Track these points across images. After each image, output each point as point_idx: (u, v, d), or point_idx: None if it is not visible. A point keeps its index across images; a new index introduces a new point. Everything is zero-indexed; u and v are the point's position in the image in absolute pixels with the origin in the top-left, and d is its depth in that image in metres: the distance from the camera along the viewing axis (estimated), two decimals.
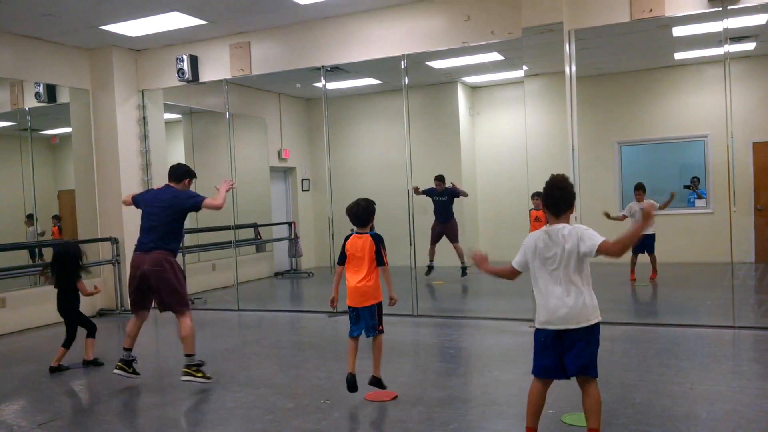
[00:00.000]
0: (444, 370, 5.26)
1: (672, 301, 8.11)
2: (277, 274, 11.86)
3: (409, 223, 7.90)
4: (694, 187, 10.76)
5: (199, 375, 4.98)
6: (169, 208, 5.05)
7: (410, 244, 7.95)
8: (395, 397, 4.45)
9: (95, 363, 5.82)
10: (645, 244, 8.62)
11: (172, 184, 5.24)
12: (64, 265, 5.73)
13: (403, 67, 7.68)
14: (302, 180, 12.67)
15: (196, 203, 5.09)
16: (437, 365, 5.43)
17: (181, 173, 5.27)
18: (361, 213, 4.49)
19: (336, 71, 8.62)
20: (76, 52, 8.73)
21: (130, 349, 5.20)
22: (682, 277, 9.56)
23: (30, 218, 9.07)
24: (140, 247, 5.08)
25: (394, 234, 8.74)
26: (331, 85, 9.22)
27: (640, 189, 9.00)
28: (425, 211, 10.00)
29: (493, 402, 4.40)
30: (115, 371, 5.11)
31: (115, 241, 8.79)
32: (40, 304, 7.99)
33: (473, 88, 12.08)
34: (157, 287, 5.02)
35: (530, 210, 8.10)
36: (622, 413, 4.02)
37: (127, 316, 8.53)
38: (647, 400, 4.25)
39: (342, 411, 4.33)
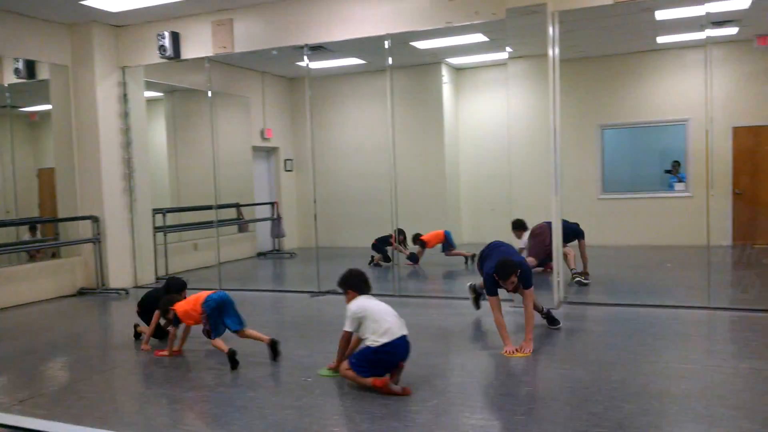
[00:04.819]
0: (424, 349, 5.31)
1: (650, 282, 8.22)
2: (259, 254, 11.85)
3: (392, 203, 7.91)
4: (675, 171, 10.88)
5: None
6: None
7: (392, 225, 7.97)
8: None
9: None
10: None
11: None
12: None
13: (387, 47, 7.65)
14: (285, 160, 12.62)
15: None
16: (417, 344, 5.46)
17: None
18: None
19: (320, 50, 8.55)
20: (55, 27, 8.57)
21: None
22: (661, 260, 9.69)
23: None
24: None
25: (377, 215, 8.79)
26: (315, 65, 9.16)
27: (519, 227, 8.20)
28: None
29: (472, 379, 4.46)
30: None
31: (95, 219, 8.72)
32: (32, 280, 8.02)
33: (457, 69, 12.07)
34: None
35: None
36: (598, 391, 4.10)
37: (108, 294, 8.51)
38: (623, 378, 4.34)
39: (323, 388, 4.37)
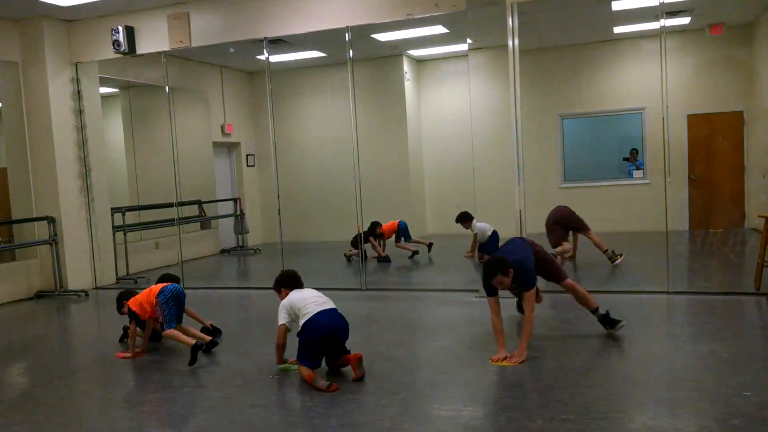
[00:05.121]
0: (392, 341, 5.32)
1: (611, 268, 8.37)
2: (223, 251, 11.70)
3: (356, 197, 7.89)
4: (633, 159, 11.09)
5: None
6: None
7: (357, 219, 7.95)
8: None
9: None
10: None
11: None
12: None
13: (347, 39, 7.60)
14: (247, 155, 12.47)
15: None
16: (385, 337, 5.48)
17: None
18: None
19: (279, 43, 8.46)
20: (3, 22, 8.28)
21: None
22: (620, 246, 9.85)
23: None
24: None
25: (342, 209, 8.75)
26: (275, 58, 9.06)
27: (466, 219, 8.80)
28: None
29: (440, 371, 4.48)
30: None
31: (51, 220, 8.48)
32: None
33: (419, 61, 12.07)
34: None
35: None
36: (563, 377, 4.16)
37: (66, 297, 8.30)
38: (587, 364, 4.41)
39: (290, 385, 4.33)
